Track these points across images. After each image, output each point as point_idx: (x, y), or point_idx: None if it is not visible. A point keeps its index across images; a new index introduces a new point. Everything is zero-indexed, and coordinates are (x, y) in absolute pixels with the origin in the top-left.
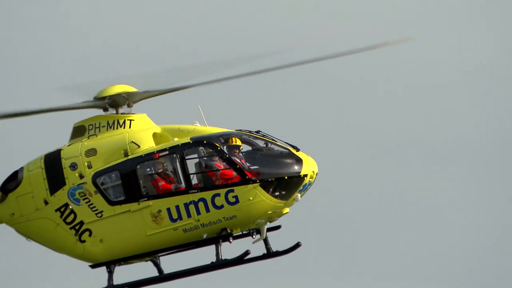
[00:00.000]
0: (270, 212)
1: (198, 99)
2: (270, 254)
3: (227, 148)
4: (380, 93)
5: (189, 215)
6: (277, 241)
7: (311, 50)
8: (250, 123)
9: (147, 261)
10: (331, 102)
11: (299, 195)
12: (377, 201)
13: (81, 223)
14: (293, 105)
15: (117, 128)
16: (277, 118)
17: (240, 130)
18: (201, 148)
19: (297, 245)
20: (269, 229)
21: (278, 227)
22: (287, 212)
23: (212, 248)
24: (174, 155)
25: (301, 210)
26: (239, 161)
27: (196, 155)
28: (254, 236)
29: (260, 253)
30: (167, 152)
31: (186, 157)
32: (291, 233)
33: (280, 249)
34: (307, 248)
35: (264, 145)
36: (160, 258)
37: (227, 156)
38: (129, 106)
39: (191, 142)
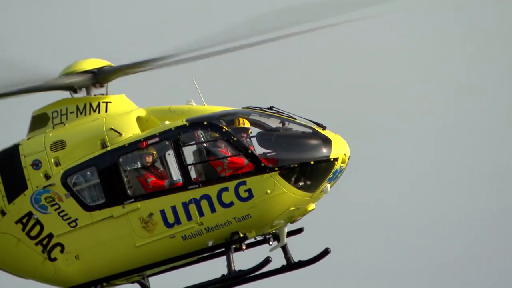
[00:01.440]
0: (292, 208)
1: (191, 73)
2: (291, 265)
3: (233, 131)
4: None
5: (189, 218)
6: (298, 248)
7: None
8: (257, 100)
9: (133, 282)
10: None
11: (328, 185)
12: (421, 193)
13: (50, 236)
14: (311, 78)
15: (89, 114)
16: (290, 94)
17: (248, 107)
18: (200, 131)
19: (326, 252)
20: (289, 233)
21: (300, 230)
22: (313, 209)
23: (220, 259)
24: (167, 142)
25: (327, 204)
26: (251, 145)
27: (194, 141)
28: (271, 243)
29: (278, 265)
30: (157, 139)
31: (183, 144)
32: (314, 236)
33: (304, 258)
34: (337, 255)
35: (280, 124)
36: (153, 276)
37: (235, 138)
38: (101, 85)
39: (187, 124)
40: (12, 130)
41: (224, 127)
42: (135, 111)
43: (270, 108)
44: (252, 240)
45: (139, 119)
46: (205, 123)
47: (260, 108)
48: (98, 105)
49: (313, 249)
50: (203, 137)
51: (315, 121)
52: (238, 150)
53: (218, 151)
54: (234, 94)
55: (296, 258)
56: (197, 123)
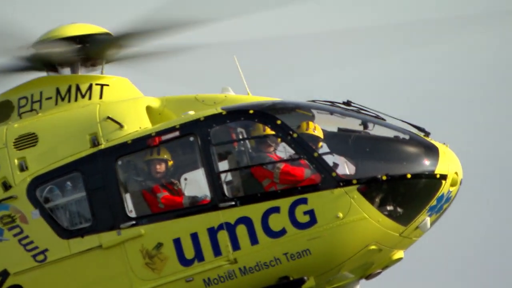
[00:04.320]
0: (373, 247)
1: (229, 53)
2: None
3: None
4: None
5: (217, 252)
6: None
7: None
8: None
9: None
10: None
11: (428, 219)
12: None
13: (4, 274)
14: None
15: (75, 100)
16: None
17: (313, 101)
18: (243, 124)
19: None
20: None
21: None
22: (400, 259)
23: None
24: (191, 139)
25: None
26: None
27: (233, 138)
28: None
29: None
30: (177, 133)
31: (215, 142)
32: None
33: None
34: None
35: (362, 126)
36: None
37: (295, 136)
38: (94, 64)
39: (224, 113)
40: None
41: (281, 119)
42: (144, 98)
43: (347, 103)
44: None
45: (149, 110)
46: (251, 111)
47: (332, 103)
48: (89, 88)
49: None
50: (246, 133)
51: (414, 124)
52: (298, 153)
53: (266, 156)
54: (276, 84)
55: None
56: (238, 112)
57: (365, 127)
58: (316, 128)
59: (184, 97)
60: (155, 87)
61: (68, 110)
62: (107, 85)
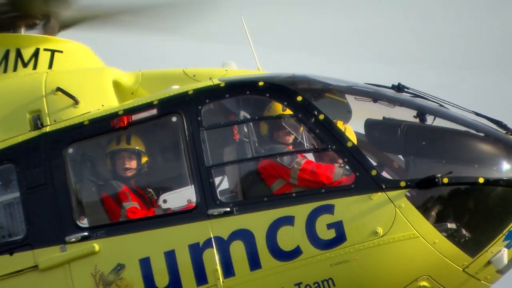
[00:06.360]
0: (423, 283)
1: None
2: None
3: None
4: None
5: (201, 279)
6: None
7: None
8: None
9: None
10: None
11: (505, 251)
12: None
13: None
14: None
15: (15, 70)
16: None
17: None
18: (250, 100)
19: None
20: None
21: None
22: None
23: None
24: (174, 119)
25: None
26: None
27: (233, 119)
28: None
29: None
30: (154, 112)
31: (206, 125)
32: None
33: None
34: None
35: (417, 118)
36: None
37: (321, 117)
38: (46, 23)
39: (222, 85)
40: None
41: (302, 96)
42: (110, 69)
43: (399, 87)
44: None
45: (119, 87)
46: (261, 83)
47: (378, 87)
48: (35, 54)
49: None
50: (252, 112)
51: (490, 117)
52: (325, 142)
53: (280, 145)
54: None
55: None
56: (243, 84)
57: (422, 120)
58: (347, 130)
59: (168, 71)
60: (128, 65)
61: (2, 80)
62: (60, 51)
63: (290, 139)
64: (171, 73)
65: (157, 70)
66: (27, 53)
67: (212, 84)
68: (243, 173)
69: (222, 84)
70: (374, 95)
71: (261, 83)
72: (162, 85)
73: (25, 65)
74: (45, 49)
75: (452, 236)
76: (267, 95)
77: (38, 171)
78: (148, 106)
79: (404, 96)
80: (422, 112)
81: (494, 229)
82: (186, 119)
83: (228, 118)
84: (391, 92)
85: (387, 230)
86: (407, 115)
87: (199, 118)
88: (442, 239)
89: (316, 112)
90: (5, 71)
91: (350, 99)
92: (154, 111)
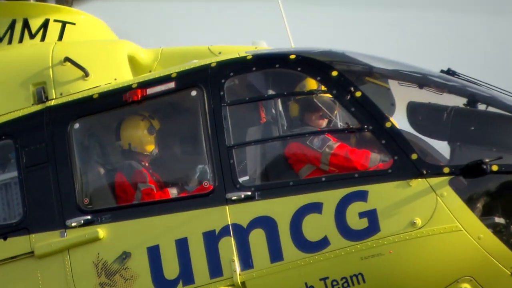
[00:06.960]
0: (465, 285)
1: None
2: None
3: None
4: None
5: (216, 271)
6: None
7: None
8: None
9: None
10: None
11: None
12: None
13: None
14: None
15: (20, 41)
16: None
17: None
18: (280, 74)
19: None
20: None
21: None
22: None
23: None
24: (194, 93)
25: None
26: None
27: (260, 95)
28: None
29: None
30: (171, 85)
31: (229, 101)
32: None
33: None
34: None
35: (467, 103)
36: None
37: (358, 95)
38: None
39: (249, 57)
40: None
41: (337, 71)
42: (126, 43)
43: (449, 72)
44: None
45: (135, 63)
46: (292, 56)
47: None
48: (44, 25)
49: None
50: (281, 88)
51: None
52: (361, 122)
53: (311, 125)
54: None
55: None
56: (272, 57)
57: (471, 103)
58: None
59: (191, 48)
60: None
61: (6, 50)
62: (73, 23)
63: (324, 123)
64: (194, 50)
65: (179, 47)
66: (35, 24)
67: (238, 56)
68: (267, 156)
69: (249, 57)
70: (421, 81)
71: (292, 56)
72: (182, 60)
73: (32, 36)
74: (56, 20)
75: (500, 232)
76: (299, 69)
77: (40, 148)
78: (165, 79)
79: (455, 81)
80: (474, 100)
81: None
82: (207, 93)
83: (254, 92)
84: (440, 77)
85: (427, 221)
86: (457, 102)
87: (221, 93)
88: (489, 234)
89: (352, 89)
90: (9, 42)
91: (393, 85)
92: (171, 85)
